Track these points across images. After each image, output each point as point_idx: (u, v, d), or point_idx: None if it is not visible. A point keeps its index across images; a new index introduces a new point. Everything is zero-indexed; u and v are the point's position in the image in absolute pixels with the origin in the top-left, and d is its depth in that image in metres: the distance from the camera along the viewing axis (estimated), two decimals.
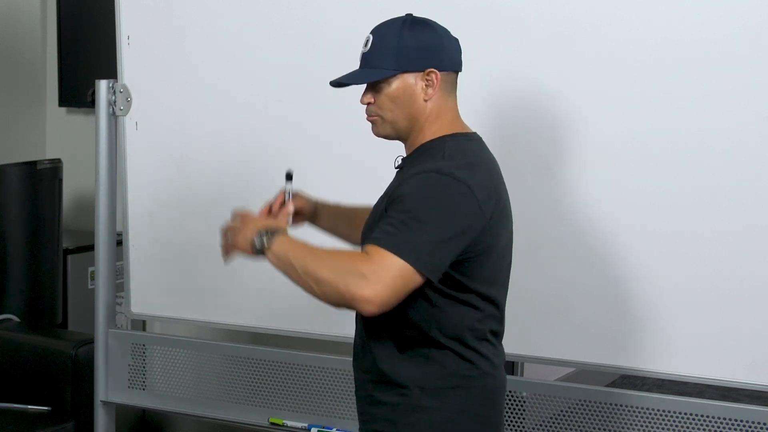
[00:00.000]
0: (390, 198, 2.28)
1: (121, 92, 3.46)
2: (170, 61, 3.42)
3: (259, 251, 2.25)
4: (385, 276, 2.14)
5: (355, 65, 2.38)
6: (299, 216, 2.60)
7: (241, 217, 2.35)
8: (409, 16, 2.35)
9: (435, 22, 2.36)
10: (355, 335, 2.43)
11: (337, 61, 2.55)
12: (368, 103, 2.35)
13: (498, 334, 2.38)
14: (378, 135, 2.39)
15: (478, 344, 2.31)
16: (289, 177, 2.55)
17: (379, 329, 2.32)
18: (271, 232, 2.25)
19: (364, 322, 2.37)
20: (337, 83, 2.38)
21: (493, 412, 2.37)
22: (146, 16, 3.43)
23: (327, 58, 3.12)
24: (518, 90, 2.95)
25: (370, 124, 2.38)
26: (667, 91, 2.80)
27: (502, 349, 2.41)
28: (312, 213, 2.64)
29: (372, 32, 2.35)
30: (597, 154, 2.89)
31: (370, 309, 2.16)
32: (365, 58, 2.34)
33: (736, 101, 2.74)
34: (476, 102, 2.78)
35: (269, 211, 2.55)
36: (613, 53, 2.85)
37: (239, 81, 3.33)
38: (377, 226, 2.22)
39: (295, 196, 2.59)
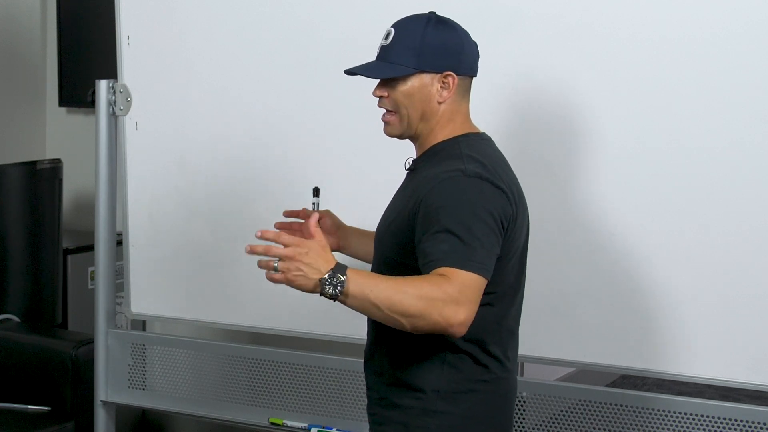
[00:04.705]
0: (417, 204, 2.22)
1: (121, 92, 3.46)
2: (170, 61, 3.42)
3: (333, 298, 2.10)
4: (471, 295, 2.12)
5: (356, 65, 2.36)
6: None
7: (291, 248, 2.10)
8: (433, 14, 2.31)
9: (458, 24, 2.32)
10: (367, 337, 2.41)
11: (338, 61, 2.55)
12: (380, 97, 2.32)
13: (514, 334, 2.38)
14: (390, 135, 2.35)
15: (494, 347, 2.30)
16: (316, 192, 2.46)
17: (393, 332, 2.21)
18: (338, 276, 2.08)
19: (375, 324, 2.33)
20: (353, 73, 2.34)
21: (502, 418, 2.36)
22: (146, 16, 3.43)
23: (328, 58, 3.12)
24: (519, 90, 2.95)
25: (376, 124, 2.35)
26: (672, 90, 2.80)
27: (516, 348, 2.40)
28: (336, 231, 2.57)
29: (394, 26, 2.31)
30: (597, 153, 2.88)
31: (462, 330, 2.12)
32: (384, 50, 2.30)
33: (741, 101, 2.73)
34: (478, 101, 2.77)
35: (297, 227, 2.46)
36: (614, 53, 2.84)
37: (239, 81, 3.32)
38: (426, 244, 2.16)
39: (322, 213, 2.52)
